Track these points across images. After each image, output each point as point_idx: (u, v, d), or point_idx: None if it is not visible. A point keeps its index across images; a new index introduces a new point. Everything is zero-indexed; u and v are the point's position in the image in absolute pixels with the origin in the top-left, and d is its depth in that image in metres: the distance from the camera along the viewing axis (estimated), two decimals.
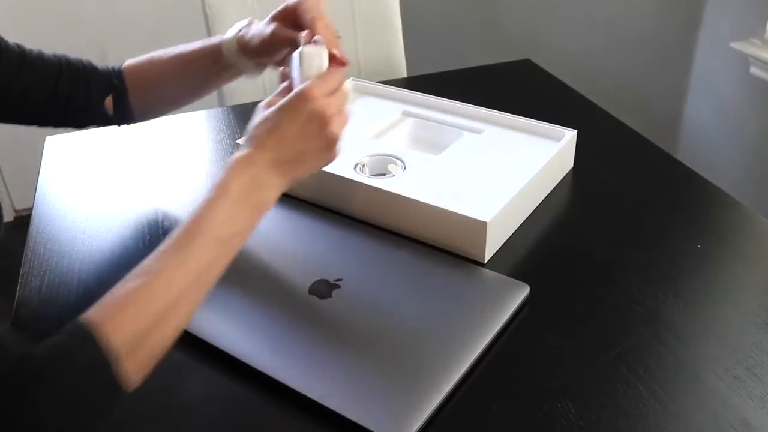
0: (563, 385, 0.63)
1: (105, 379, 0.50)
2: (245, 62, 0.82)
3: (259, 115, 0.66)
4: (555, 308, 0.73)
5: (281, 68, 0.74)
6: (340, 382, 0.62)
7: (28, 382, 0.47)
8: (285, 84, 0.71)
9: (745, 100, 2.24)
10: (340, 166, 0.89)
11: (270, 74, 1.41)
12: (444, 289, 0.74)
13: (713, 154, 2.41)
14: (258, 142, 0.64)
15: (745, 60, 2.17)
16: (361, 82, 1.15)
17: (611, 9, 2.34)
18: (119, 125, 0.91)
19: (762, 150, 2.20)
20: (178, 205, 0.93)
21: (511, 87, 1.31)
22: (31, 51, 0.83)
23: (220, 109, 1.22)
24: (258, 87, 1.41)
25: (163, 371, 0.66)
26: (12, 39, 0.83)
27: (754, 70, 2.15)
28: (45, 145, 1.10)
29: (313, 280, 0.74)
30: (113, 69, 0.88)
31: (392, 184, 0.84)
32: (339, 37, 0.73)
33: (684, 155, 2.12)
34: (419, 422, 0.58)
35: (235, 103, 1.28)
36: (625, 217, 0.89)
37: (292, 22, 0.76)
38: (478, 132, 1.01)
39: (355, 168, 0.92)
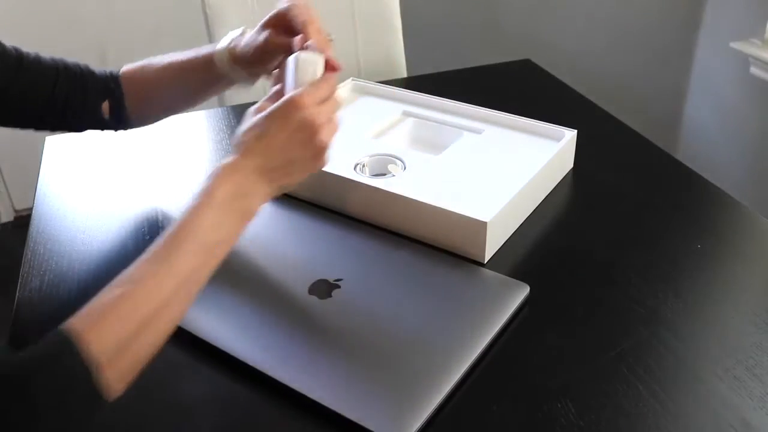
0: (563, 385, 0.63)
1: (85, 389, 0.49)
2: (238, 72, 0.81)
3: (248, 121, 0.65)
4: (555, 308, 0.73)
5: (274, 71, 0.73)
6: (340, 382, 0.62)
7: (7, 391, 0.47)
8: (276, 88, 0.70)
9: (745, 100, 2.24)
10: (340, 166, 0.90)
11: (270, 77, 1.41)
12: (444, 289, 0.74)
13: (713, 154, 2.41)
14: (245, 148, 0.63)
15: (745, 60, 2.17)
16: (361, 82, 1.15)
17: (611, 9, 2.34)
18: (116, 130, 0.90)
19: (762, 150, 2.20)
20: (178, 205, 0.93)
21: (511, 87, 1.31)
22: (28, 54, 0.83)
23: (220, 109, 1.22)
24: (258, 87, 1.41)
25: (163, 371, 0.66)
26: (12, 39, 0.82)
27: (754, 70, 2.15)
28: (45, 145, 1.10)
29: (313, 280, 0.74)
30: (110, 74, 0.87)
31: (392, 184, 0.84)
32: (331, 39, 0.72)
33: (684, 155, 2.12)
34: (419, 422, 0.58)
35: (235, 104, 1.28)
36: (625, 217, 0.89)
37: (284, 28, 0.75)
38: (478, 132, 1.01)
39: (355, 168, 0.92)
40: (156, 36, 2.19)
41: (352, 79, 1.15)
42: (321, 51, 0.69)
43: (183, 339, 0.68)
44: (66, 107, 0.84)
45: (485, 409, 0.61)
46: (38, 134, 1.00)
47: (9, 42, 0.82)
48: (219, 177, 0.61)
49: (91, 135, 0.91)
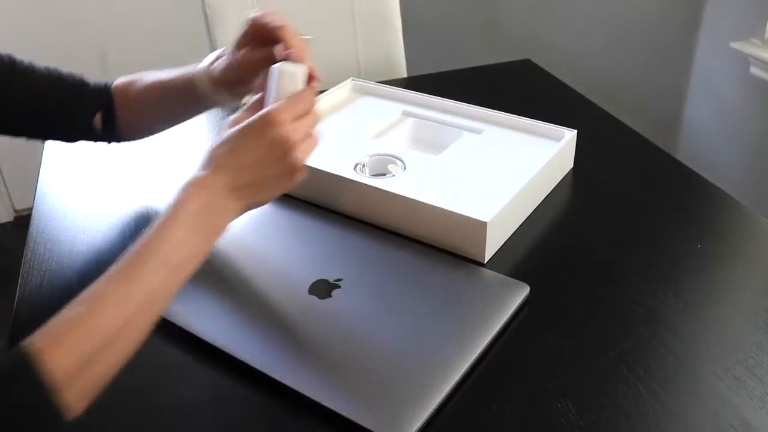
0: (563, 385, 0.63)
1: (44, 408, 0.49)
2: (220, 94, 0.79)
3: (222, 134, 0.63)
4: (555, 308, 0.73)
5: (258, 79, 0.71)
6: (340, 382, 0.62)
7: None
8: (257, 97, 0.68)
9: (745, 100, 2.24)
10: (340, 166, 0.90)
11: None
12: (444, 289, 0.74)
13: (713, 154, 2.41)
14: (216, 163, 0.62)
15: (745, 60, 2.17)
16: (361, 82, 1.15)
17: (611, 9, 2.34)
18: (108, 143, 0.89)
19: (762, 150, 2.20)
20: None
21: (511, 87, 1.31)
22: (21, 62, 0.82)
23: (220, 109, 1.22)
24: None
25: (162, 371, 0.66)
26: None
27: (754, 70, 2.15)
28: (45, 145, 1.10)
29: (313, 280, 0.74)
30: (104, 85, 0.86)
31: (392, 184, 0.84)
32: (309, 39, 0.71)
33: (684, 155, 2.12)
34: (419, 422, 0.58)
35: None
36: (625, 217, 0.89)
37: (260, 39, 0.73)
38: (478, 132, 1.01)
39: (355, 168, 0.92)
40: (156, 36, 2.19)
41: (352, 79, 1.15)
42: (302, 60, 0.67)
43: (183, 339, 0.68)
44: (58, 117, 0.83)
45: (485, 409, 0.61)
46: None
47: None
48: (188, 192, 0.60)
49: None
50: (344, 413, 0.59)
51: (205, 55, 0.83)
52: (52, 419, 0.49)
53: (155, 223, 0.58)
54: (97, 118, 0.85)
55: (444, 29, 2.28)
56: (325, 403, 0.60)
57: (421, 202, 0.80)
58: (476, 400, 0.62)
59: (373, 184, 0.84)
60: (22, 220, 2.30)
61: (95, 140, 0.88)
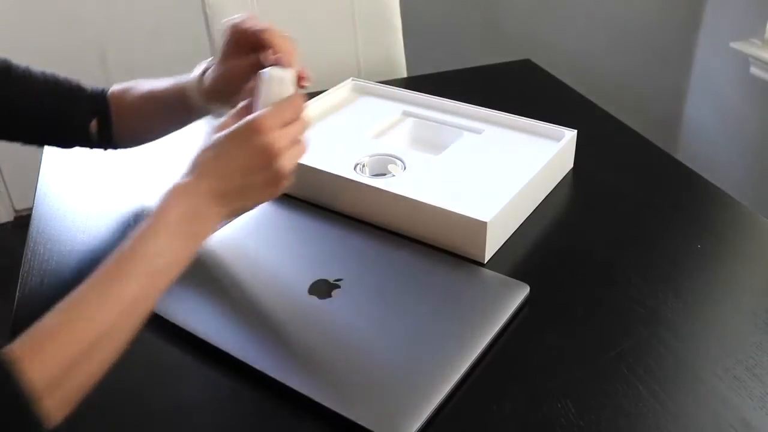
0: (563, 385, 0.63)
1: (23, 417, 0.48)
2: (213, 105, 0.78)
3: (208, 139, 0.63)
4: (555, 308, 0.73)
5: (248, 84, 0.70)
6: (340, 382, 0.62)
7: None
8: (244, 103, 0.67)
9: (745, 100, 2.24)
10: (340, 166, 0.90)
11: None
12: (444, 289, 0.74)
13: (713, 154, 2.41)
14: (200, 170, 0.61)
15: (745, 60, 2.17)
16: (361, 82, 1.15)
17: (611, 9, 2.34)
18: (104, 149, 0.88)
19: (762, 150, 2.20)
20: None
21: (511, 87, 1.31)
22: (18, 66, 0.82)
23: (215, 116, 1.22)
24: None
25: (163, 371, 0.66)
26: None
27: (754, 70, 2.15)
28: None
29: (313, 280, 0.74)
30: (101, 91, 0.85)
31: (392, 184, 0.84)
32: (291, 39, 0.70)
33: (684, 155, 2.12)
34: (419, 422, 0.58)
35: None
36: (625, 217, 0.89)
37: (245, 45, 0.72)
38: (478, 132, 1.01)
39: (355, 168, 0.92)
40: (156, 36, 2.19)
41: (352, 79, 1.15)
42: (291, 64, 0.66)
43: (182, 339, 0.68)
44: (54, 122, 0.83)
45: (485, 409, 0.61)
46: None
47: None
48: (170, 199, 0.59)
49: None
50: (344, 413, 0.59)
51: (206, 56, 0.83)
52: (33, 428, 0.49)
53: (137, 230, 0.57)
54: (93, 124, 0.85)
55: (444, 29, 2.28)
56: (325, 403, 0.60)
57: (421, 202, 0.80)
58: (476, 400, 0.62)
59: (373, 184, 0.84)
60: (22, 220, 2.30)
61: (91, 147, 0.88)
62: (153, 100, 0.83)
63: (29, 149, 0.89)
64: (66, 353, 0.51)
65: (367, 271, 0.76)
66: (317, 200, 0.90)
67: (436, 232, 0.81)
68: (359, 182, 0.85)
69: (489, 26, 2.30)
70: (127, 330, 0.55)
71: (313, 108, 1.07)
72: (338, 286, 0.73)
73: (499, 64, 1.40)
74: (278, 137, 0.62)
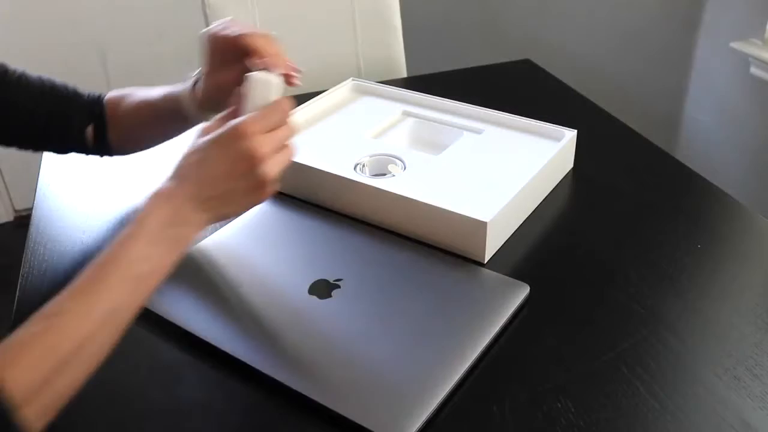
0: (563, 385, 0.64)
1: (3, 426, 0.48)
2: (208, 114, 0.77)
3: (192, 144, 0.62)
4: (555, 308, 0.73)
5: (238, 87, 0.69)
6: (340, 382, 0.62)
7: None
8: (232, 108, 0.65)
9: (745, 100, 2.24)
10: (340, 166, 0.90)
11: None
12: (444, 289, 0.74)
13: (713, 154, 2.41)
14: (182, 175, 0.61)
15: (745, 60, 2.17)
16: (361, 82, 1.15)
17: (611, 9, 2.34)
18: (101, 156, 0.88)
19: (762, 150, 2.20)
20: None
21: (511, 87, 1.31)
22: (14, 71, 0.81)
23: None
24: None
25: (163, 371, 0.66)
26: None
27: (754, 70, 2.15)
28: None
29: (313, 280, 0.74)
30: (98, 97, 0.85)
31: (392, 184, 0.84)
32: (275, 38, 0.68)
33: (684, 155, 2.12)
34: (419, 422, 0.58)
35: None
36: (625, 217, 0.89)
37: (229, 53, 0.70)
38: (478, 132, 1.01)
39: (355, 168, 0.92)
40: (156, 36, 2.19)
41: (352, 79, 1.15)
42: (279, 66, 0.65)
43: (183, 339, 0.68)
44: (50, 127, 0.83)
45: (485, 409, 0.61)
46: None
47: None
48: (151, 204, 0.59)
49: None
50: (344, 413, 0.59)
51: None
52: None
53: (118, 236, 0.57)
54: (89, 130, 0.84)
55: (444, 29, 2.28)
56: (325, 403, 0.60)
57: (421, 202, 0.80)
58: (476, 400, 0.62)
59: (373, 184, 0.84)
60: (22, 220, 2.30)
61: (87, 153, 0.87)
62: (148, 108, 0.82)
63: None
64: (46, 362, 0.50)
65: (367, 271, 0.76)
66: (317, 200, 0.90)
67: (436, 232, 0.81)
68: (359, 182, 0.85)
69: (489, 26, 2.30)
70: (109, 337, 0.55)
71: (313, 108, 1.07)
72: (338, 286, 0.73)
73: (499, 64, 1.40)
74: (262, 143, 0.60)
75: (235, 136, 0.60)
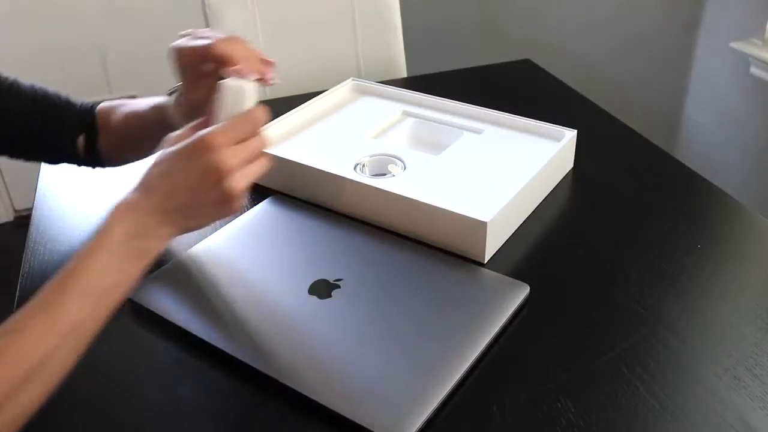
0: (563, 385, 0.64)
1: None
2: None
3: (160, 153, 0.61)
4: (555, 308, 0.73)
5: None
6: (340, 382, 0.62)
7: None
8: (204, 117, 0.64)
9: (745, 100, 2.24)
10: (340, 166, 0.90)
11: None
12: (444, 289, 0.74)
13: (713, 154, 2.41)
14: (147, 186, 0.60)
15: (745, 60, 2.17)
16: (361, 82, 1.15)
17: (611, 9, 2.34)
18: (92, 167, 0.87)
19: (762, 150, 2.20)
20: None
21: (511, 87, 1.31)
22: (6, 78, 0.80)
23: None
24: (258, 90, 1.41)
25: (162, 371, 0.66)
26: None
27: (754, 70, 2.15)
28: None
29: (313, 280, 0.74)
30: (90, 107, 0.84)
31: (392, 184, 0.84)
32: (244, 41, 0.67)
33: (684, 155, 2.12)
34: (419, 422, 0.58)
35: None
36: (625, 217, 0.89)
37: (201, 62, 0.69)
38: (478, 132, 1.01)
39: (355, 168, 0.92)
40: (156, 36, 2.19)
41: (352, 79, 1.15)
42: (251, 72, 0.64)
43: (183, 339, 0.68)
44: (41, 136, 0.82)
45: (485, 409, 0.61)
46: None
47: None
48: (115, 216, 0.58)
49: None
50: (344, 413, 0.59)
51: None
52: None
53: (80, 249, 0.56)
54: (81, 140, 0.83)
55: (444, 29, 2.28)
56: (325, 403, 0.60)
57: (421, 202, 0.80)
58: (476, 400, 0.62)
59: (373, 184, 0.84)
60: (22, 220, 2.30)
61: (79, 163, 0.86)
62: (137, 119, 0.81)
63: None
64: (8, 378, 0.50)
65: (367, 271, 0.76)
66: (317, 200, 0.90)
67: (436, 232, 0.81)
68: (359, 182, 0.85)
69: (489, 26, 2.30)
70: (71, 354, 0.55)
71: (313, 108, 1.07)
72: (338, 286, 0.73)
73: (499, 64, 1.40)
74: (229, 155, 0.59)
75: (201, 147, 0.59)
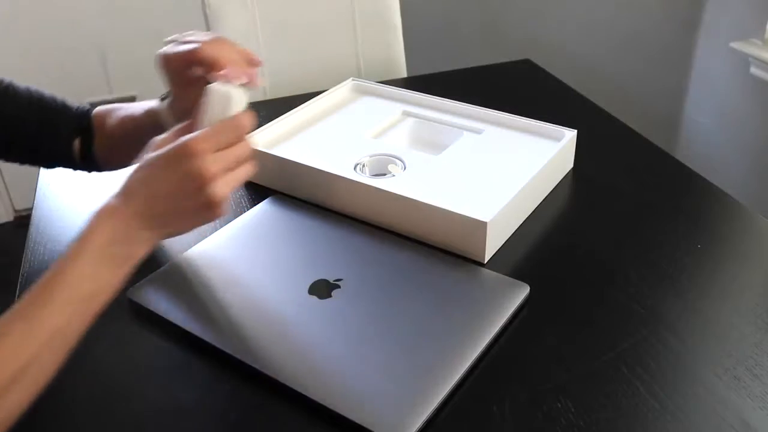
0: (563, 385, 0.63)
1: None
2: None
3: (143, 158, 0.61)
4: (555, 308, 0.73)
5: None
6: (340, 382, 0.62)
7: None
8: (189, 121, 0.64)
9: (745, 100, 2.24)
10: (340, 166, 0.90)
11: (270, 78, 1.41)
12: (444, 289, 0.74)
13: (713, 154, 2.41)
14: (128, 192, 0.59)
15: (745, 60, 2.17)
16: (361, 82, 1.15)
17: (611, 9, 2.34)
18: (88, 171, 0.86)
19: (762, 150, 2.20)
20: None
21: (511, 87, 1.31)
22: (1, 81, 0.80)
23: None
24: (258, 90, 1.41)
25: (162, 371, 0.66)
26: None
27: (754, 70, 2.15)
28: None
29: (313, 280, 0.74)
30: (87, 111, 0.84)
31: (392, 184, 0.84)
32: (230, 43, 0.67)
33: (684, 155, 2.12)
34: (419, 422, 0.58)
35: None
36: (625, 217, 0.89)
37: (188, 68, 0.68)
38: (478, 132, 1.01)
39: (355, 168, 0.92)
40: (156, 36, 2.18)
41: (352, 79, 1.15)
42: (236, 77, 0.63)
43: (183, 339, 0.68)
44: (36, 139, 0.81)
45: (485, 409, 0.61)
46: None
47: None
48: (96, 222, 0.58)
49: None
50: (344, 413, 0.59)
51: None
52: None
53: (61, 256, 0.56)
54: (76, 144, 0.83)
55: (444, 29, 2.28)
56: (325, 403, 0.60)
57: (421, 202, 0.80)
58: (476, 400, 0.62)
59: (373, 184, 0.84)
60: (22, 220, 2.30)
61: (74, 167, 0.86)
62: (132, 123, 0.81)
63: None
64: None
65: (367, 271, 0.76)
66: (317, 200, 0.90)
67: (436, 232, 0.81)
68: (359, 182, 0.85)
69: (489, 26, 2.30)
70: (54, 360, 0.55)
71: (313, 108, 1.07)
72: (338, 286, 0.73)
73: (499, 64, 1.40)
74: (212, 162, 0.59)
75: (184, 154, 0.58)
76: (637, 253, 0.82)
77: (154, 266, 0.76)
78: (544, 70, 1.36)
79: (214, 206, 0.60)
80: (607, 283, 0.77)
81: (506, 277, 0.75)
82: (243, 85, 0.65)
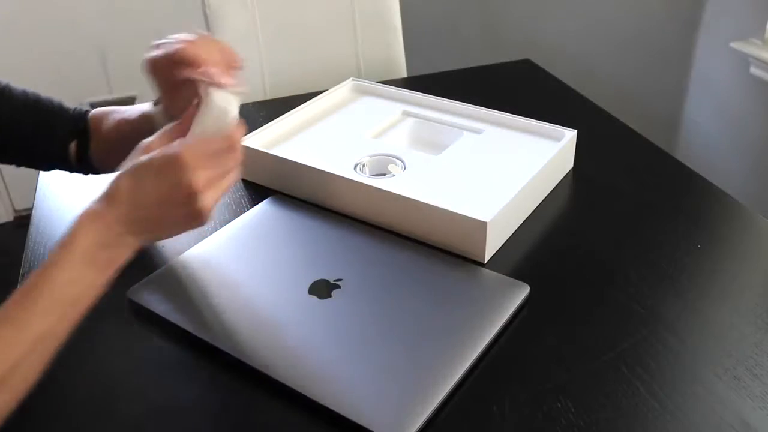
0: (563, 385, 0.63)
1: None
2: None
3: (130, 162, 0.60)
4: (555, 308, 0.73)
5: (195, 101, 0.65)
6: (340, 382, 0.62)
7: None
8: (178, 123, 0.64)
9: (745, 100, 2.24)
10: (340, 166, 0.90)
11: (270, 78, 1.41)
12: (444, 289, 0.74)
13: (713, 154, 2.41)
14: (114, 197, 0.59)
15: (745, 60, 2.17)
16: (361, 82, 1.15)
17: (611, 9, 2.34)
18: (84, 174, 0.86)
19: (762, 150, 2.20)
20: None
21: (511, 87, 1.31)
22: None
23: None
24: (258, 90, 1.42)
25: (162, 371, 0.66)
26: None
27: (754, 70, 2.15)
28: None
29: (313, 280, 0.74)
30: (84, 113, 0.83)
31: (392, 184, 0.84)
32: (216, 42, 0.66)
33: (684, 155, 2.12)
34: (419, 422, 0.58)
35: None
36: (625, 217, 0.89)
37: (177, 71, 0.67)
38: (478, 132, 1.01)
39: (355, 168, 0.92)
40: (156, 37, 2.18)
41: (352, 79, 1.15)
42: (225, 82, 0.62)
43: (183, 339, 0.68)
44: (32, 141, 0.81)
45: (485, 409, 0.61)
46: None
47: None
48: (79, 226, 0.58)
49: None
50: (344, 413, 0.59)
51: None
52: None
53: (45, 260, 0.56)
54: (73, 146, 0.83)
55: (444, 29, 2.28)
56: (325, 403, 0.60)
57: (421, 202, 0.80)
58: (476, 400, 0.62)
59: (373, 184, 0.84)
60: (22, 220, 2.30)
61: (70, 170, 0.86)
62: (127, 126, 0.81)
63: None
64: None
65: (367, 271, 0.76)
66: (317, 200, 0.90)
67: (436, 232, 0.81)
68: (359, 182, 0.85)
69: (489, 26, 2.31)
70: (39, 363, 0.55)
71: (313, 108, 1.07)
72: (338, 286, 0.73)
73: (499, 64, 1.40)
74: (201, 175, 0.59)
75: (176, 165, 0.58)
76: (637, 253, 0.82)
77: (154, 266, 0.76)
78: (544, 70, 1.36)
79: (200, 216, 0.61)
80: (607, 283, 0.77)
81: (506, 277, 0.75)
82: (235, 92, 0.65)
